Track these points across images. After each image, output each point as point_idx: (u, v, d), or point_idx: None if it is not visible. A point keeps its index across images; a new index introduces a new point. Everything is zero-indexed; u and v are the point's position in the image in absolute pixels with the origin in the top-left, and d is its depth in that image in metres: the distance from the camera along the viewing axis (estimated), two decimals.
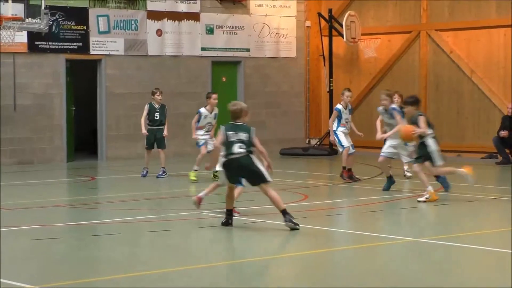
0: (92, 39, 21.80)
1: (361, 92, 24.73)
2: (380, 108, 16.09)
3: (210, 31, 23.64)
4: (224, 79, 24.08)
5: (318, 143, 24.63)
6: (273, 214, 12.77)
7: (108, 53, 22.05)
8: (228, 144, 11.52)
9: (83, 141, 23.19)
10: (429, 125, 14.24)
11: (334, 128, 17.10)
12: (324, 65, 24.98)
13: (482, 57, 22.50)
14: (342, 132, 17.13)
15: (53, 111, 21.26)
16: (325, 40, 24.81)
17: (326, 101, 24.70)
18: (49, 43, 21.09)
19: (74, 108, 21.92)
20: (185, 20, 23.18)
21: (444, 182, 15.00)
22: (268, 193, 11.51)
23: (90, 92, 22.37)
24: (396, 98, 17.42)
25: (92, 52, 21.84)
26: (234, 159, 11.52)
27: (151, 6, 22.61)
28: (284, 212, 11.45)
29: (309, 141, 25.31)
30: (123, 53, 22.26)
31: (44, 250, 10.54)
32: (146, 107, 18.15)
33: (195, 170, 16.87)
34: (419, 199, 13.86)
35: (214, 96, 17.19)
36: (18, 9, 17.93)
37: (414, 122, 14.15)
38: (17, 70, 20.74)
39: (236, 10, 24.10)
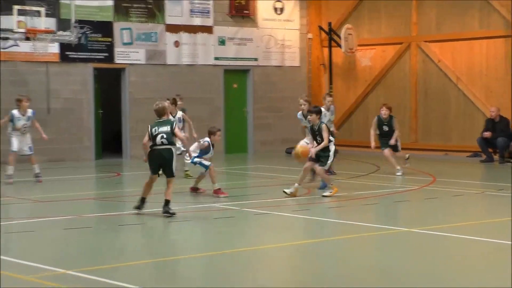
0: (117, 49, 21.82)
1: (358, 98, 24.72)
2: (299, 114, 16.15)
3: (222, 42, 23.65)
4: (235, 85, 24.10)
5: None
6: (280, 207, 12.80)
7: (131, 62, 22.07)
8: (153, 138, 11.88)
9: (109, 141, 23.20)
10: (331, 133, 14.33)
11: None
12: (325, 73, 24.99)
13: (466, 66, 22.46)
14: None
15: (82, 114, 21.29)
16: (325, 51, 24.82)
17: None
18: (78, 53, 21.12)
19: (101, 111, 21.93)
20: (199, 32, 23.19)
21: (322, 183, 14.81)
22: (169, 184, 11.92)
23: (115, 97, 22.39)
24: (384, 110, 17.50)
25: (116, 61, 21.86)
26: (156, 149, 11.89)
27: (169, 20, 22.64)
28: (167, 202, 11.84)
29: None
30: (144, 62, 22.28)
31: (75, 238, 10.57)
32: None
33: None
34: (324, 194, 13.90)
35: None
36: (50, 23, 18.01)
37: (318, 130, 13.98)
38: (50, 77, 20.78)
39: (245, 24, 24.12)
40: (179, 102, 18.05)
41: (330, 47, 24.50)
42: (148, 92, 22.24)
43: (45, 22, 17.81)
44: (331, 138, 14.13)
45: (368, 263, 8.84)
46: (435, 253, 9.40)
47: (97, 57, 21.52)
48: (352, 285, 7.86)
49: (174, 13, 22.71)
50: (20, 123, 15.93)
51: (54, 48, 20.41)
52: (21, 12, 17.54)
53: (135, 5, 22.08)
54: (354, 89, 24.85)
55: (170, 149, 11.91)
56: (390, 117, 17.50)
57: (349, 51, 24.12)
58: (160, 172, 12.06)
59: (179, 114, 17.24)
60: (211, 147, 14.15)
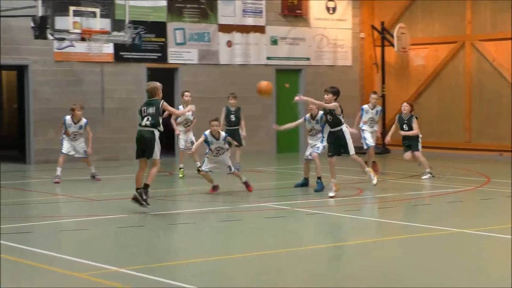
0: (170, 49, 21.97)
1: (411, 97, 24.47)
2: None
3: (274, 42, 23.66)
4: (287, 85, 24.07)
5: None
6: (332, 206, 12.78)
7: (184, 62, 22.21)
8: (141, 118, 11.89)
9: (161, 140, 23.31)
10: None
11: (360, 126, 17.54)
12: (377, 73, 24.84)
13: None
14: (366, 129, 17.25)
15: (135, 113, 21.41)
16: (378, 50, 24.66)
17: (379, 105, 24.46)
18: (132, 53, 21.32)
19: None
20: (252, 32, 23.23)
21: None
22: (152, 168, 11.84)
23: (167, 97, 22.41)
24: (405, 105, 17.39)
25: (170, 61, 22.01)
26: (138, 131, 11.90)
27: (222, 20, 22.72)
28: (145, 186, 11.75)
29: None
30: (197, 62, 22.40)
31: (128, 237, 10.67)
32: (223, 110, 18.25)
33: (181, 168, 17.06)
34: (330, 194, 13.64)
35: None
36: (105, 24, 18.15)
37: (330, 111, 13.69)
38: (105, 77, 21.01)
39: (298, 23, 24.09)
40: (232, 101, 18.16)
41: (382, 46, 24.35)
42: (200, 92, 22.34)
43: (100, 23, 17.97)
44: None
45: (420, 264, 8.76)
46: (487, 254, 9.28)
47: (151, 57, 21.70)
48: (407, 285, 7.80)
49: (226, 13, 22.78)
50: (71, 130, 16.23)
51: (109, 49, 20.64)
52: (76, 13, 17.74)
53: (188, 5, 22.20)
54: (406, 88, 24.65)
55: (152, 131, 11.82)
56: (411, 116, 17.08)
57: (402, 50, 23.95)
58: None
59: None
60: (208, 138, 14.05)
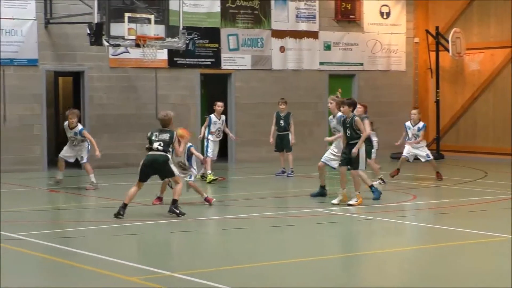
0: (223, 55, 22.02)
1: (466, 102, 24.20)
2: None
3: (327, 47, 23.55)
4: (339, 90, 23.94)
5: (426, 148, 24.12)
6: (385, 212, 12.66)
7: (237, 68, 22.24)
8: (150, 143, 12.23)
9: None
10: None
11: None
12: (432, 78, 24.56)
13: None
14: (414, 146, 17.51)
15: (189, 119, 21.54)
16: (432, 55, 24.37)
17: (433, 110, 24.27)
18: (186, 59, 21.41)
19: (207, 116, 22.12)
20: (305, 38, 23.16)
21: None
22: (176, 185, 12.24)
23: (221, 102, 22.52)
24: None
25: (223, 67, 22.06)
26: (150, 155, 12.20)
27: (275, 26, 22.70)
28: (173, 201, 12.09)
29: None
30: (250, 68, 22.40)
31: (181, 241, 10.68)
32: (274, 115, 18.37)
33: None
34: (349, 202, 13.24)
35: (219, 103, 17.55)
36: (159, 30, 18.23)
37: (350, 123, 13.27)
38: (159, 83, 21.14)
39: (351, 29, 23.95)
40: (282, 106, 18.24)
41: (437, 51, 24.06)
42: (253, 97, 22.36)
43: (154, 29, 18.06)
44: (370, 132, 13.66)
45: (475, 270, 8.59)
46: None
47: (204, 62, 21.77)
48: None
49: (280, 19, 22.75)
50: (68, 134, 16.16)
51: (163, 55, 20.76)
52: (131, 20, 17.86)
53: (241, 11, 22.23)
54: (461, 93, 24.32)
55: (165, 155, 12.14)
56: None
57: (457, 55, 23.66)
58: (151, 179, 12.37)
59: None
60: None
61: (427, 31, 24.42)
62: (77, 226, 11.90)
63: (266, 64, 22.60)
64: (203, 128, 17.75)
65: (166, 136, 12.25)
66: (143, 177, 12.24)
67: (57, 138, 22.90)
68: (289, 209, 13.55)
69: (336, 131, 14.29)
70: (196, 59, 21.62)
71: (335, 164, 14.10)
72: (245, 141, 22.02)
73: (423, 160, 17.41)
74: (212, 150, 17.36)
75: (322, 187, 14.34)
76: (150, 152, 12.22)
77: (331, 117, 14.68)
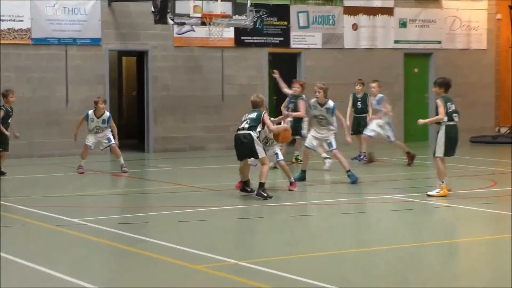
0: (293, 33, 21.99)
1: None
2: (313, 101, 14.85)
3: (403, 24, 23.31)
4: (416, 70, 23.71)
5: (508, 131, 23.79)
6: (465, 199, 12.52)
7: (307, 47, 22.18)
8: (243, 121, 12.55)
9: None
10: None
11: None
12: None
13: None
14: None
15: None
16: None
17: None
18: (254, 38, 21.44)
19: (275, 98, 22.16)
20: (379, 14, 22.96)
21: None
22: (263, 166, 12.43)
23: (289, 83, 22.49)
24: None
25: (292, 46, 22.03)
26: (237, 135, 12.52)
27: (347, 2, 22.56)
28: (260, 184, 12.27)
29: (498, 129, 24.51)
30: (320, 47, 22.32)
31: (247, 228, 10.74)
32: (350, 97, 18.24)
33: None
34: (429, 192, 12.75)
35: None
36: (226, 7, 18.28)
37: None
38: (225, 63, 21.22)
39: (428, 4, 23.64)
40: (358, 87, 18.10)
41: None
42: (324, 78, 22.21)
43: (221, 7, 18.13)
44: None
45: None
46: None
47: (273, 41, 21.78)
48: None
49: None
50: (93, 125, 16.07)
51: (230, 33, 20.80)
52: None
53: None
54: None
55: (249, 133, 12.33)
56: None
57: None
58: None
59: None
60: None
61: (511, 7, 23.94)
62: (141, 211, 12.07)
63: (337, 42, 22.49)
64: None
65: (253, 115, 12.54)
66: (239, 157, 12.66)
67: (120, 120, 23.24)
68: (360, 195, 13.48)
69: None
70: (264, 38, 21.63)
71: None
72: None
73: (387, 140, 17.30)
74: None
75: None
76: (237, 132, 12.55)
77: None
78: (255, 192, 12.44)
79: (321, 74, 22.19)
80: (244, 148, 12.42)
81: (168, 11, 17.72)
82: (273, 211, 11.98)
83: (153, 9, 17.95)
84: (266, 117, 12.53)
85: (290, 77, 22.41)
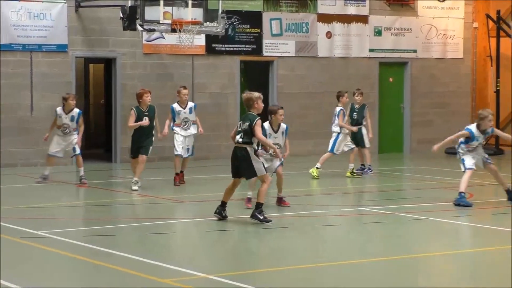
0: (265, 41, 22.07)
1: None
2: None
3: (378, 33, 23.48)
4: (391, 79, 23.89)
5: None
6: (436, 212, 12.62)
7: (280, 55, 22.28)
8: (236, 134, 11.66)
9: None
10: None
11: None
12: (492, 66, 24.37)
13: None
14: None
15: (228, 110, 21.67)
16: (493, 41, 24.18)
17: (493, 101, 24.07)
18: (225, 45, 21.50)
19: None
20: (354, 22, 23.11)
21: None
22: (262, 184, 11.54)
23: (262, 91, 22.56)
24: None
25: (265, 54, 22.11)
26: (234, 147, 11.62)
27: (321, 9, 22.68)
28: (258, 205, 11.49)
29: None
30: (294, 55, 22.42)
31: (217, 241, 10.77)
32: (349, 106, 18.16)
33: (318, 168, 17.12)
34: None
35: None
36: (197, 14, 18.30)
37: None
38: (196, 71, 21.27)
39: (404, 12, 23.84)
40: (357, 98, 18.10)
41: (498, 37, 23.86)
42: (298, 87, 22.40)
43: (192, 13, 18.14)
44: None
45: None
46: None
47: (245, 49, 21.84)
48: None
49: (327, 2, 22.73)
50: (62, 121, 16.11)
51: (200, 40, 20.84)
52: (167, 3, 17.95)
53: None
54: None
55: (245, 148, 11.46)
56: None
57: None
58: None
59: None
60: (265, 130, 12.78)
61: (488, 16, 24.22)
62: (108, 223, 12.07)
63: (311, 51, 22.61)
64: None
65: (246, 125, 11.50)
66: (233, 173, 11.72)
67: (87, 130, 23.18)
68: (335, 207, 13.58)
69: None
70: (236, 45, 21.70)
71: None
72: (290, 133, 22.01)
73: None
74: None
75: None
76: (235, 145, 11.67)
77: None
78: (251, 213, 11.61)
79: (294, 83, 22.32)
80: (238, 164, 11.54)
81: (137, 17, 17.72)
82: (244, 224, 12.02)
83: (121, 15, 17.95)
84: (257, 124, 11.47)
85: (262, 85, 22.57)
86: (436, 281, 8.67)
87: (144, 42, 20.57)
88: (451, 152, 23.17)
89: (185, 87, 16.51)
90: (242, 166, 11.51)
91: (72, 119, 16.16)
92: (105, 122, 23.36)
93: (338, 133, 17.28)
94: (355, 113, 18.07)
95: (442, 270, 9.22)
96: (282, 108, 13.33)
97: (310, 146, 21.80)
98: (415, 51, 23.98)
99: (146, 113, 15.44)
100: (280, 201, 13.13)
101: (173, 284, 8.14)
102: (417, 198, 14.42)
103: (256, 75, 22.60)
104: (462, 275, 9.01)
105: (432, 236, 11.22)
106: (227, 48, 21.57)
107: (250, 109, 11.70)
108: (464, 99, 24.88)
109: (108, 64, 21.58)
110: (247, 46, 21.86)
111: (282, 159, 12.89)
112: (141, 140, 15.31)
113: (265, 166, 11.83)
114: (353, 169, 17.32)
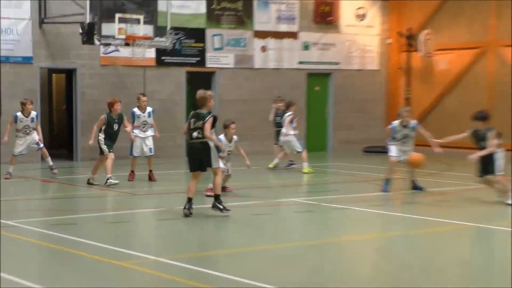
0: (208, 54, 22.14)
1: (434, 100, 24.46)
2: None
3: (306, 47, 23.72)
4: (317, 88, 24.13)
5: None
6: (356, 202, 12.85)
7: (221, 66, 22.36)
8: (190, 131, 11.22)
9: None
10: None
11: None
12: (403, 76, 24.79)
13: None
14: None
15: (175, 114, 21.68)
16: (404, 55, 24.60)
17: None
18: (173, 58, 21.51)
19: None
20: (285, 38, 23.30)
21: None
22: (215, 177, 11.31)
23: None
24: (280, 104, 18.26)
25: (208, 65, 22.17)
26: (190, 143, 11.22)
27: (257, 27, 22.82)
28: (216, 197, 11.35)
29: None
30: (233, 66, 22.53)
31: (166, 229, 10.85)
32: (273, 111, 18.70)
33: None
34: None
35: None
36: (148, 30, 18.33)
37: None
38: (147, 80, 21.24)
39: (329, 30, 24.11)
40: (280, 104, 18.49)
41: (408, 51, 24.28)
42: (236, 94, 22.53)
43: (143, 29, 18.15)
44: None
45: (441, 256, 8.83)
46: (497, 247, 9.31)
47: (190, 61, 21.89)
48: (429, 275, 7.88)
49: (262, 20, 22.89)
50: (22, 124, 16.09)
51: (151, 53, 20.82)
52: (121, 20, 17.95)
53: (226, 13, 22.35)
54: (431, 91, 24.55)
55: (205, 141, 11.10)
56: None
57: (427, 55, 23.90)
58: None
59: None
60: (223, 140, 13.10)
61: (400, 33, 24.65)
62: (70, 214, 12.05)
63: (248, 63, 22.75)
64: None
65: (200, 123, 11.09)
66: (193, 167, 11.28)
67: (51, 133, 23.01)
68: (265, 199, 13.73)
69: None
70: (183, 58, 21.74)
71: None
72: None
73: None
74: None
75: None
76: (190, 141, 11.27)
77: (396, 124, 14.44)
78: (212, 204, 11.42)
79: (234, 91, 22.44)
80: (199, 157, 11.16)
81: (95, 32, 17.67)
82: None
83: (81, 31, 17.87)
84: (208, 122, 11.00)
85: None
86: (355, 263, 8.88)
87: (101, 54, 20.48)
88: (368, 151, 23.62)
89: (144, 94, 16.61)
90: (205, 158, 11.15)
91: (32, 120, 16.20)
92: (66, 126, 23.20)
93: (294, 134, 17.60)
94: (278, 116, 18.52)
95: (362, 252, 9.43)
96: (234, 122, 13.52)
97: (246, 146, 21.67)
98: (338, 63, 24.27)
99: (116, 121, 15.40)
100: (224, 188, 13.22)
101: (129, 266, 8.21)
102: (339, 190, 14.65)
103: (200, 84, 22.37)
104: (380, 256, 9.23)
105: (353, 223, 11.45)
106: (174, 60, 21.59)
107: (203, 107, 11.23)
108: (380, 105, 25.26)
109: (69, 74, 21.42)
110: (192, 58, 21.91)
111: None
112: (111, 143, 15.30)
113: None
114: (276, 163, 17.92)
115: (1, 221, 10.82)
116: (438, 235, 10.24)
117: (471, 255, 9.09)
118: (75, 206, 13.31)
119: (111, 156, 15.11)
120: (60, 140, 23.73)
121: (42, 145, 16.30)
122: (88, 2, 17.60)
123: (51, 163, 16.31)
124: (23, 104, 16.18)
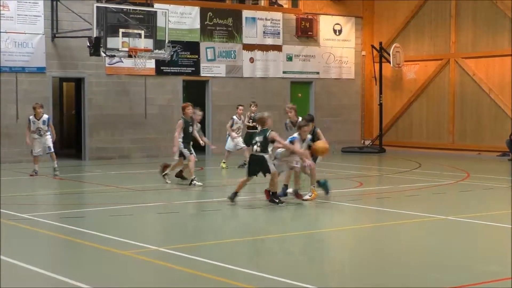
0: (202, 65, 22.01)
1: (403, 106, 24.44)
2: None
3: (289, 58, 23.63)
4: (299, 95, 24.06)
5: (371, 143, 24.39)
6: (338, 197, 12.74)
7: (213, 76, 22.24)
8: (252, 145, 11.75)
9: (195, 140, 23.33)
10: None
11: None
12: (376, 85, 24.75)
13: (497, 78, 21.99)
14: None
15: (173, 118, 21.49)
16: (377, 66, 24.57)
17: (377, 112, 24.47)
18: (171, 68, 21.38)
19: None
20: (271, 50, 23.22)
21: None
22: (272, 179, 11.52)
23: (200, 104, 22.49)
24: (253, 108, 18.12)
25: (202, 74, 22.05)
26: (253, 155, 11.65)
27: (246, 40, 22.72)
28: (272, 193, 11.61)
29: (363, 142, 25.10)
30: (224, 76, 22.41)
31: (166, 221, 10.71)
32: (247, 114, 18.41)
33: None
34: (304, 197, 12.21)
35: (240, 107, 17.89)
36: (148, 43, 18.24)
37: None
38: (147, 88, 21.09)
39: (309, 43, 24.04)
40: (253, 108, 18.29)
41: (380, 62, 24.25)
42: (227, 100, 22.40)
43: (144, 43, 18.07)
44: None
45: (411, 246, 8.73)
46: (467, 237, 9.22)
47: (186, 71, 21.75)
48: (399, 264, 7.77)
49: (250, 35, 22.79)
50: (35, 126, 15.86)
51: (151, 64, 20.70)
52: (125, 35, 17.87)
53: (218, 28, 22.24)
54: (400, 98, 24.55)
55: (262, 156, 11.56)
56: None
57: (397, 66, 23.89)
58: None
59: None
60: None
61: (372, 46, 24.61)
62: (79, 208, 11.89)
63: (238, 72, 22.64)
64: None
65: (260, 137, 11.59)
66: (250, 173, 11.71)
67: (62, 134, 22.80)
68: (256, 194, 13.61)
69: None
70: (179, 68, 21.59)
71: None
72: (220, 137, 22.03)
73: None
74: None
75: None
76: (253, 154, 11.69)
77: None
78: (269, 199, 11.59)
79: (225, 97, 22.31)
80: (258, 167, 11.59)
81: (101, 45, 17.55)
82: (186, 207, 11.97)
83: (88, 44, 17.75)
84: (273, 134, 11.53)
85: (200, 100, 22.54)
86: (336, 253, 8.76)
87: (107, 65, 20.33)
88: (346, 150, 23.52)
89: (193, 106, 15.34)
90: (262, 168, 11.57)
91: (44, 123, 15.94)
92: (75, 128, 23.01)
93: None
94: (251, 120, 18.28)
95: (341, 242, 9.32)
96: (307, 125, 12.50)
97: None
98: (318, 73, 24.20)
99: (190, 123, 14.67)
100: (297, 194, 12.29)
101: (130, 254, 8.06)
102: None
103: (195, 91, 22.52)
104: (358, 246, 9.12)
105: (332, 216, 11.33)
106: (172, 70, 21.43)
107: (264, 126, 11.75)
108: (355, 111, 25.20)
109: (78, 82, 21.24)
110: (188, 68, 21.76)
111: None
112: (189, 145, 14.60)
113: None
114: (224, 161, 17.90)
115: (18, 214, 10.63)
116: (408, 226, 10.13)
117: (428, 244, 8.98)
118: (83, 201, 13.12)
119: (192, 158, 14.39)
120: (69, 141, 23.54)
121: (52, 150, 15.99)
122: (95, 19, 17.49)
123: (56, 165, 15.97)
124: (34, 108, 16.03)
